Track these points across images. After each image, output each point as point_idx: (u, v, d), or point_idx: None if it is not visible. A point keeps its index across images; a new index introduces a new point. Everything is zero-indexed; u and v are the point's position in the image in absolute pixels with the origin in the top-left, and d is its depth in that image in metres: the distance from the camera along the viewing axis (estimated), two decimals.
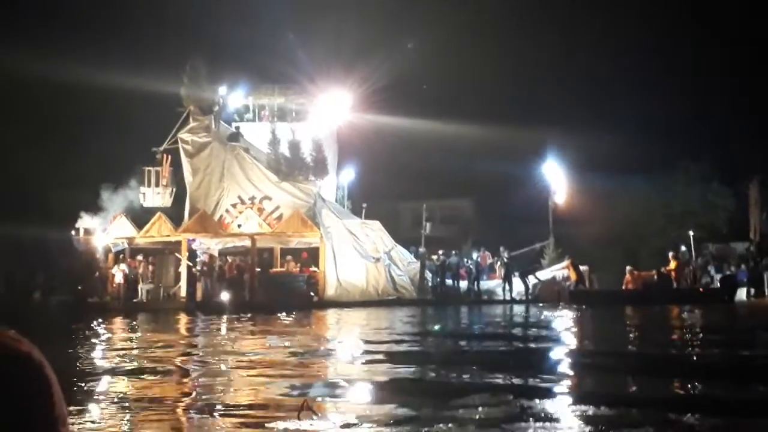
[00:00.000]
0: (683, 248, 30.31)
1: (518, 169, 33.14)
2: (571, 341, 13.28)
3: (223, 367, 9.58)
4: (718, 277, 27.91)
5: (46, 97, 31.11)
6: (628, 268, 24.70)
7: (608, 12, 39.23)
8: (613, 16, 39.80)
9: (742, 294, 26.51)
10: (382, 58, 30.57)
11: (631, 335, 14.13)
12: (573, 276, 24.49)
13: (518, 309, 22.70)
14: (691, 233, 25.39)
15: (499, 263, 27.51)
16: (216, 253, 28.02)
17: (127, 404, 6.82)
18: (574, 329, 15.75)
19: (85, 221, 27.87)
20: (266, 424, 5.40)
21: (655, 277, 23.79)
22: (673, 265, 23.64)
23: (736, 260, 29.36)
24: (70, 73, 29.01)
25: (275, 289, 25.86)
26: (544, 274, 26.95)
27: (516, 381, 7.41)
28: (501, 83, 35.69)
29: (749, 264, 28.50)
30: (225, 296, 26.02)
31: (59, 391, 0.98)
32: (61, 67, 29.30)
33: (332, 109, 30.07)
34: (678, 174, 34.90)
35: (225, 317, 20.69)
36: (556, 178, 30.47)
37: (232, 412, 6.21)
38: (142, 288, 26.90)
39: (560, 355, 10.32)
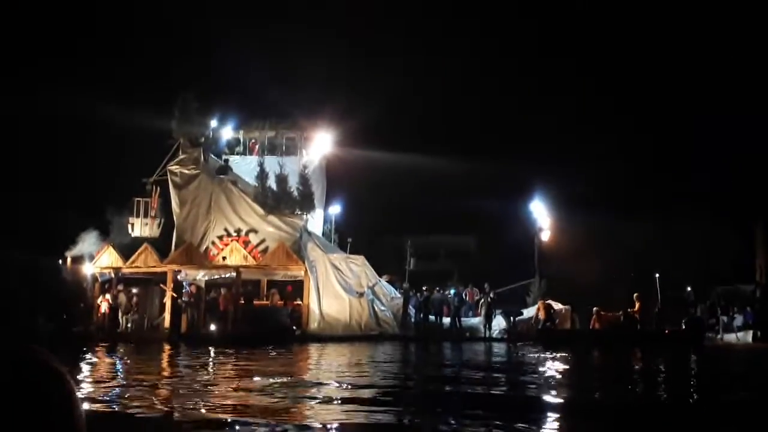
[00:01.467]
0: (689, 289, 30.40)
1: (508, 206, 33.51)
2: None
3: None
4: (724, 319, 28.07)
5: (41, 127, 31.53)
6: (594, 308, 24.84)
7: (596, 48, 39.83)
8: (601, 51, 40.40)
9: (747, 337, 26.62)
10: (369, 94, 31.07)
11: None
12: (542, 315, 24.71)
13: (482, 348, 22.59)
14: (657, 276, 25.50)
15: (481, 301, 27.63)
16: (203, 285, 28.20)
17: None
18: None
19: (76, 249, 28.13)
20: None
21: (621, 318, 23.92)
22: (637, 306, 23.80)
23: (742, 302, 29.48)
24: (64, 105, 29.56)
25: (258, 321, 25.97)
26: (527, 312, 27.12)
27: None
28: (489, 119, 36.14)
29: (755, 306, 28.60)
30: (212, 327, 26.17)
31: (80, 404, 1.17)
32: (56, 99, 29.84)
33: (321, 144, 30.50)
34: (676, 213, 34.73)
35: (209, 349, 20.59)
36: (541, 216, 30.76)
37: None
38: (127, 318, 27.04)
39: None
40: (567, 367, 14.47)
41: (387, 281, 28.68)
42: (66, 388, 1.13)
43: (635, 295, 24.01)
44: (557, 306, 27.43)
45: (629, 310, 23.70)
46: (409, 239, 27.89)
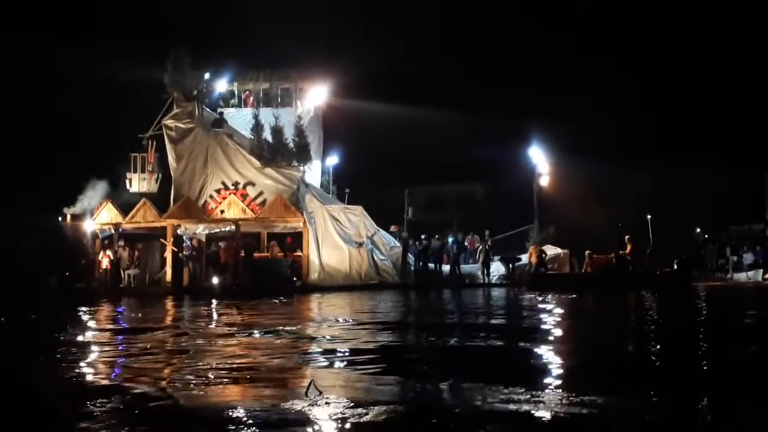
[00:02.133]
0: (698, 230, 30.45)
1: (509, 153, 33.25)
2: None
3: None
4: (734, 259, 28.27)
5: (33, 83, 31.27)
6: (587, 252, 24.95)
7: None
8: None
9: (758, 275, 26.80)
10: (367, 44, 30.67)
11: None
12: (534, 260, 24.87)
13: (479, 294, 22.80)
14: (648, 217, 25.51)
15: (480, 247, 27.74)
16: (204, 238, 28.32)
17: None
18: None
19: (76, 207, 28.22)
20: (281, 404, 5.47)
21: (613, 260, 24.05)
22: (629, 248, 23.90)
23: (752, 242, 29.57)
24: (58, 60, 29.26)
25: (259, 273, 26.15)
26: (525, 257, 27.23)
27: None
28: (486, 68, 35.70)
29: (765, 245, 28.70)
30: (215, 280, 26.40)
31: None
32: (49, 55, 29.53)
33: (317, 95, 30.22)
34: (679, 160, 34.48)
35: (212, 302, 20.74)
36: (540, 162, 30.59)
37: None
38: (128, 273, 27.26)
39: None
40: (552, 313, 14.58)
41: (393, 231, 28.88)
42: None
43: (627, 237, 24.13)
44: (557, 250, 27.58)
45: (621, 252, 23.83)
46: (407, 189, 27.84)
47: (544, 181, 30.40)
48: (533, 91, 35.60)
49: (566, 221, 29.82)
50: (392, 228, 29.09)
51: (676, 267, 23.48)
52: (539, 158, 30.63)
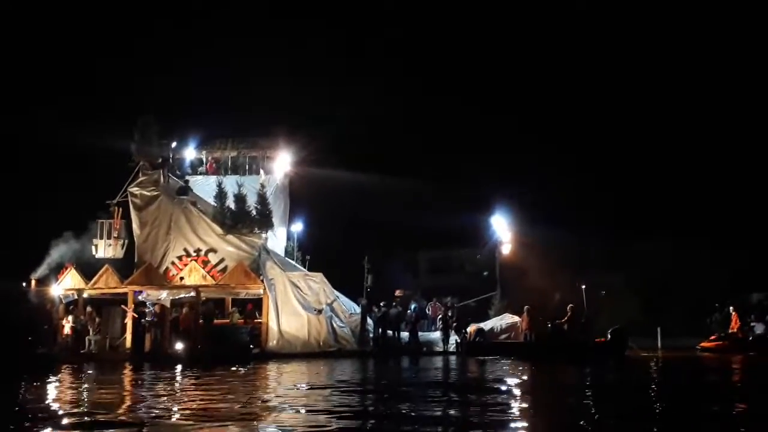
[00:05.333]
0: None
1: (471, 221, 33.85)
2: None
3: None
4: (759, 327, 27.53)
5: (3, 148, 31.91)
6: (526, 307, 25.46)
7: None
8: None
9: None
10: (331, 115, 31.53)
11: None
12: (471, 331, 25.84)
13: (431, 362, 23.08)
14: (583, 287, 25.88)
15: (440, 315, 27.96)
16: (168, 304, 28.45)
17: None
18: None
19: (39, 271, 28.46)
20: None
21: (549, 328, 24.42)
22: (566, 317, 24.24)
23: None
24: (29, 129, 29.96)
25: (219, 340, 26.26)
26: (486, 325, 27.42)
27: None
28: (453, 138, 36.57)
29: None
30: (179, 346, 26.41)
31: None
32: (20, 122, 30.24)
33: (283, 163, 30.87)
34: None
35: (173, 369, 20.78)
36: (502, 230, 31.07)
37: None
38: (89, 339, 27.31)
39: None
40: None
41: (398, 296, 29.55)
42: None
43: (569, 306, 24.45)
44: (514, 319, 27.72)
45: (557, 321, 24.22)
46: (367, 256, 28.18)
47: (506, 249, 30.84)
48: (496, 158, 36.46)
49: (527, 289, 30.17)
50: (397, 293, 29.83)
51: (610, 337, 23.69)
52: (501, 227, 31.14)
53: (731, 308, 27.65)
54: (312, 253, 31.04)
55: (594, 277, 30.17)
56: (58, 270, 28.30)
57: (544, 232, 32.14)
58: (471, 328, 26.11)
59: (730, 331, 26.97)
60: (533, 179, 34.73)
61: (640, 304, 32.38)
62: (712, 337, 27.00)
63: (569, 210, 34.55)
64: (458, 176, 33.95)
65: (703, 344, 26.90)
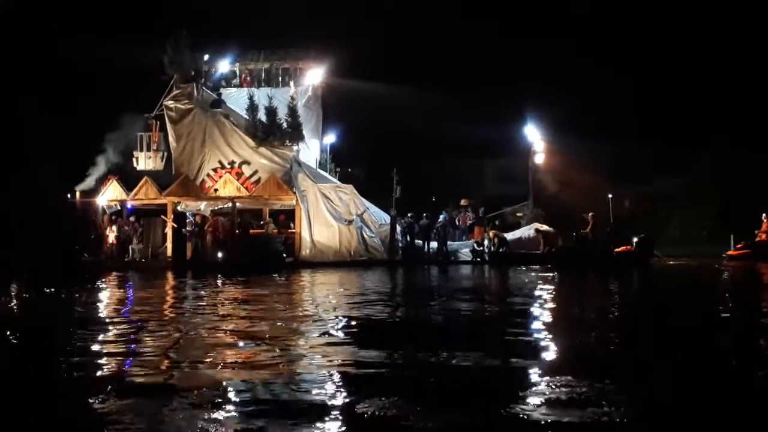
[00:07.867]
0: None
1: (506, 131, 33.56)
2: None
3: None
4: None
5: (46, 67, 32.52)
6: (541, 227, 25.58)
7: None
8: None
9: None
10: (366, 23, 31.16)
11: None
12: (496, 241, 26.11)
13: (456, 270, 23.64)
14: (610, 196, 25.78)
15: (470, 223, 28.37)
16: (208, 215, 29.43)
17: None
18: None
19: (85, 183, 29.61)
20: None
21: (574, 238, 24.53)
22: (589, 226, 24.25)
23: None
24: (66, 46, 30.47)
25: (254, 249, 27.19)
26: (513, 235, 27.72)
27: None
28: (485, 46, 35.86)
29: None
30: (219, 255, 27.50)
31: None
32: (59, 41, 30.73)
33: (316, 74, 30.88)
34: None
35: (210, 277, 21.72)
36: (536, 140, 30.84)
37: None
38: (132, 248, 28.61)
39: None
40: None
41: (463, 205, 30.47)
42: None
43: (590, 214, 24.45)
44: (546, 228, 27.89)
45: (581, 231, 24.24)
46: (395, 168, 28.37)
47: (540, 159, 30.70)
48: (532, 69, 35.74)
49: (558, 199, 30.17)
50: (462, 202, 30.74)
51: (635, 246, 23.72)
52: (535, 136, 30.89)
53: (764, 215, 27.13)
54: (347, 165, 31.38)
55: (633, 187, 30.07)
56: (101, 182, 29.39)
57: (577, 142, 31.76)
58: (492, 233, 26.18)
59: (756, 239, 26.58)
60: (567, 89, 33.91)
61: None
62: (738, 246, 26.77)
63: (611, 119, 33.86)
64: (493, 86, 33.20)
65: (729, 252, 26.72)
